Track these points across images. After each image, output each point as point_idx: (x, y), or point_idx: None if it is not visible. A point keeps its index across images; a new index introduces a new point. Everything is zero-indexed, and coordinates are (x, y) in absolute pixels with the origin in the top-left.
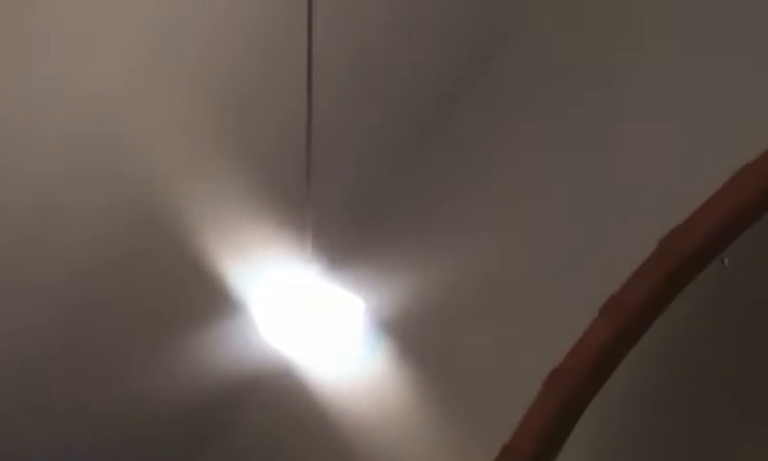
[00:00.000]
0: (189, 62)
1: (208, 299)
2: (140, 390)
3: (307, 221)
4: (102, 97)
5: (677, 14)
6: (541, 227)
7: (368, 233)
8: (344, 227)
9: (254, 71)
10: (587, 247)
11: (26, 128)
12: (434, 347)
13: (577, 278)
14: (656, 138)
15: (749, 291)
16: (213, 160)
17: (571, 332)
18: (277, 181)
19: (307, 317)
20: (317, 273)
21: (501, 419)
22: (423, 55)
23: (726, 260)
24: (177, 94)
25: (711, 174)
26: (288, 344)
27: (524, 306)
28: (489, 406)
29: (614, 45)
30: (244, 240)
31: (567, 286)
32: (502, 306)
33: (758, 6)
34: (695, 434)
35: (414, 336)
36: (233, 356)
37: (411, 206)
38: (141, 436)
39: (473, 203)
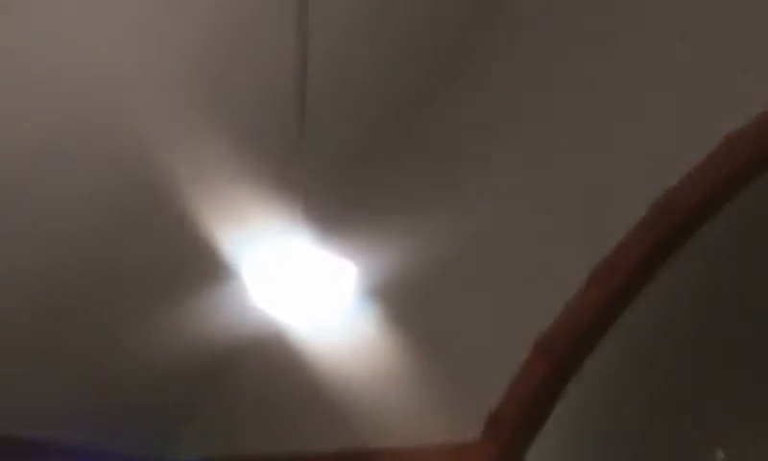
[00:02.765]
0: (183, 23)
1: (200, 264)
2: (135, 353)
3: (299, 186)
4: (96, 61)
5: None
6: (533, 192)
7: (359, 199)
8: (335, 192)
9: (246, 35)
10: (578, 212)
11: (32, 78)
12: (423, 310)
13: (567, 243)
14: (647, 107)
15: (742, 255)
16: (205, 126)
17: (561, 298)
18: (269, 148)
19: (298, 282)
20: (308, 238)
21: (488, 383)
22: (419, 18)
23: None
24: (170, 56)
25: (704, 140)
26: (279, 308)
27: (514, 272)
28: (477, 370)
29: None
30: (236, 206)
31: (558, 252)
32: (492, 271)
33: None
34: (687, 398)
35: (404, 300)
36: (225, 320)
37: (403, 171)
38: (137, 396)
39: (465, 170)
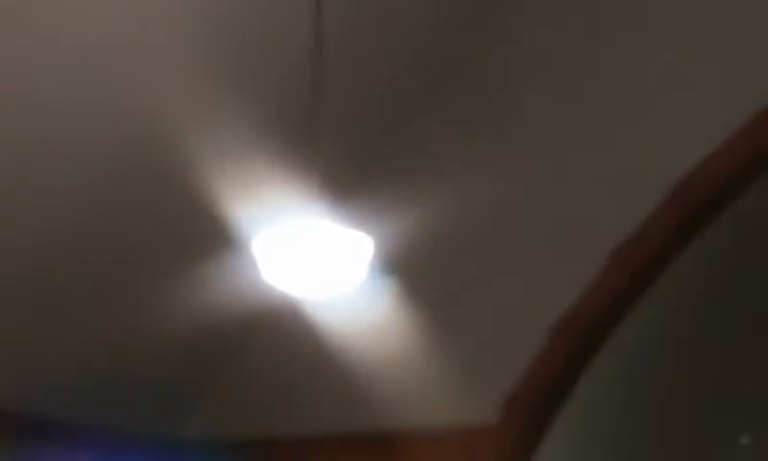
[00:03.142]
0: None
1: (216, 239)
2: (145, 330)
3: (314, 160)
4: (107, 34)
5: None
6: (554, 171)
7: (375, 171)
8: (351, 164)
9: (262, 10)
10: (599, 191)
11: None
12: (442, 289)
13: (587, 226)
14: (672, 87)
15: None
16: (220, 96)
17: (582, 278)
18: (285, 122)
19: (314, 256)
20: (323, 212)
21: (507, 364)
22: None
23: None
24: (182, 28)
25: (722, 125)
26: (294, 284)
27: (534, 250)
28: (496, 351)
29: None
30: (251, 180)
31: (577, 235)
32: (512, 250)
33: None
34: (710, 382)
35: (420, 274)
36: (239, 296)
37: (419, 144)
38: (147, 374)
39: (484, 142)
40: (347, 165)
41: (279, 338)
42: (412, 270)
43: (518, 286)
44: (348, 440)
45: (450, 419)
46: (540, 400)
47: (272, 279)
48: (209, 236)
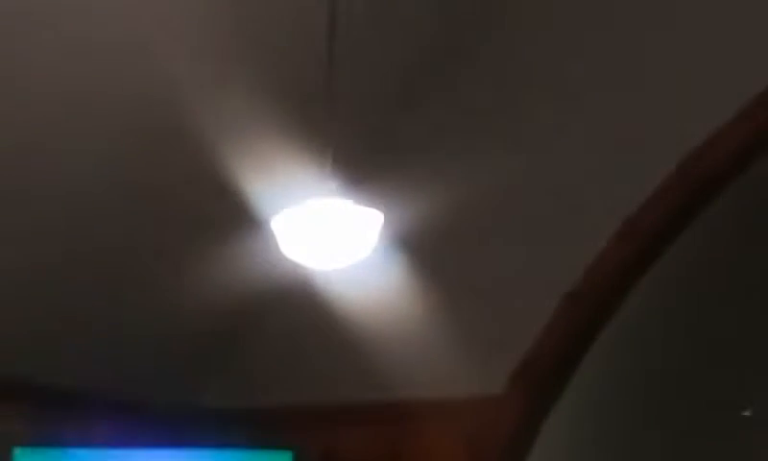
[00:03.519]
0: None
1: (229, 213)
2: (163, 301)
3: (328, 136)
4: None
5: None
6: (563, 146)
7: (388, 148)
8: (364, 142)
9: None
10: (606, 168)
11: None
12: (452, 261)
13: (595, 198)
14: (679, 61)
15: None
16: (235, 74)
17: (589, 251)
18: (299, 97)
19: (326, 231)
20: (336, 187)
21: (516, 334)
22: None
23: None
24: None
25: (730, 98)
26: (307, 258)
27: (542, 225)
28: (504, 321)
29: None
30: (265, 155)
31: (585, 207)
32: (519, 224)
33: None
34: (708, 356)
35: (432, 249)
36: (253, 270)
37: (432, 120)
38: (164, 344)
39: (494, 120)
40: (359, 144)
41: (294, 311)
42: (422, 244)
43: (526, 259)
44: (358, 410)
45: (458, 389)
46: (547, 371)
47: (286, 255)
48: (225, 212)
